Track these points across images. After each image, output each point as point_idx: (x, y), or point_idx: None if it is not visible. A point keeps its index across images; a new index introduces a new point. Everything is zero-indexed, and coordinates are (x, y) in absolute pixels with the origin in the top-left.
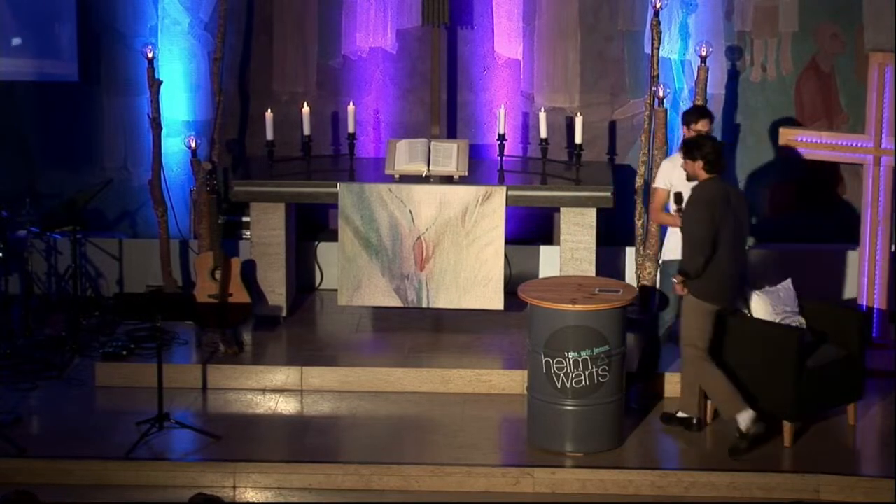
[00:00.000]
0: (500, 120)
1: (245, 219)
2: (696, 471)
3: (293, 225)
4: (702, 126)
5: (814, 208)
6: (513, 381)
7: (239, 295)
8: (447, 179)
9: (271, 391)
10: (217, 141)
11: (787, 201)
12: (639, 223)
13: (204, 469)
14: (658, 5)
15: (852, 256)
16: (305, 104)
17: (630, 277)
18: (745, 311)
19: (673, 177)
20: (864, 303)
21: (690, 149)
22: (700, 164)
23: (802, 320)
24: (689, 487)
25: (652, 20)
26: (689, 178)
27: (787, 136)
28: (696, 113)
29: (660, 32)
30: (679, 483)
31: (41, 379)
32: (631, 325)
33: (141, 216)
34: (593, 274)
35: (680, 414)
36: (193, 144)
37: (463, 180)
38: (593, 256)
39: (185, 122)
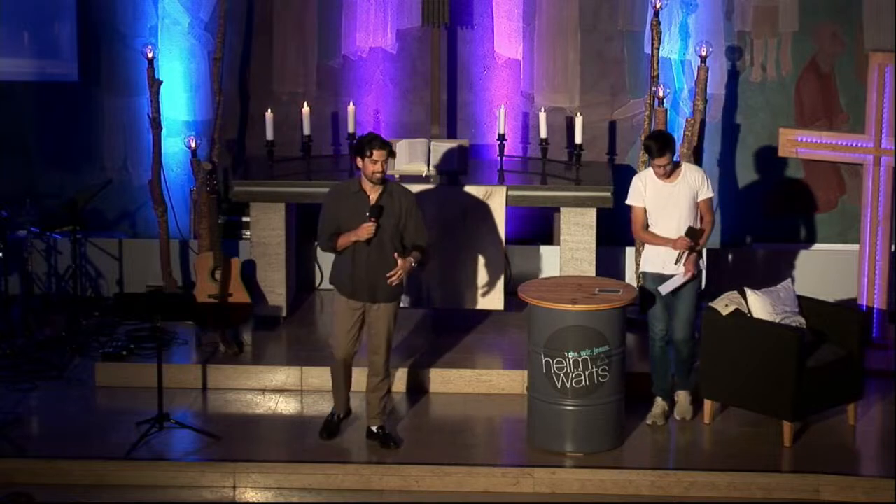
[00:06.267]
0: (500, 120)
1: (245, 219)
2: (696, 471)
3: (293, 225)
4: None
5: (813, 208)
6: (513, 381)
7: (239, 295)
8: (448, 179)
9: (271, 391)
10: (217, 141)
11: (786, 201)
12: None
13: (204, 469)
14: (658, 5)
15: (852, 256)
16: (305, 104)
17: (630, 277)
18: (746, 311)
19: (644, 192)
20: (864, 303)
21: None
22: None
23: (802, 320)
24: (689, 487)
25: (652, 20)
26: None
27: (787, 136)
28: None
29: (660, 32)
30: (679, 483)
31: (41, 379)
32: (631, 326)
33: (141, 216)
34: (593, 274)
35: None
36: (193, 144)
37: (463, 180)
38: (593, 256)
39: (185, 122)
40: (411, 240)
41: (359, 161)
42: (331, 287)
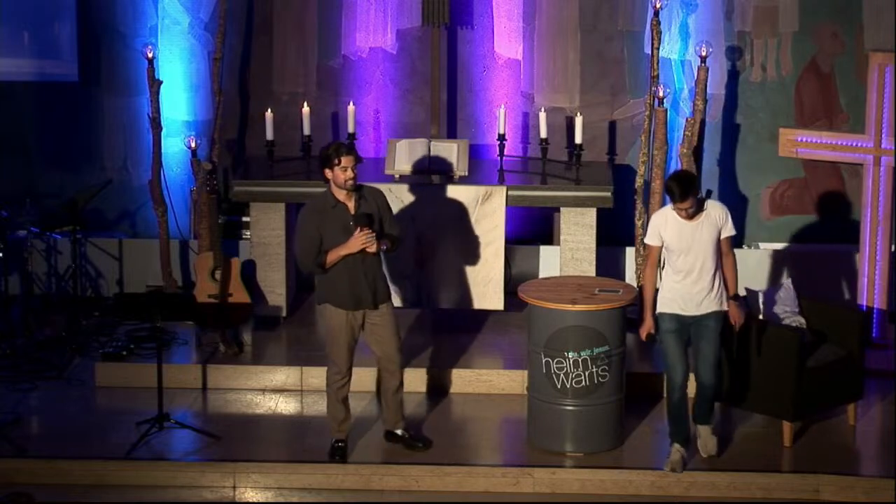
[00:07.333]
0: (500, 120)
1: (245, 219)
2: (696, 471)
3: (293, 225)
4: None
5: (814, 208)
6: (513, 381)
7: (239, 295)
8: (447, 179)
9: (271, 391)
10: (217, 141)
11: (786, 201)
12: (639, 223)
13: (204, 469)
14: (658, 5)
15: (852, 256)
16: (305, 104)
17: (630, 277)
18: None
19: (664, 231)
20: (864, 303)
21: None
22: None
23: (802, 320)
24: (689, 487)
25: (652, 20)
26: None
27: (786, 136)
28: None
29: (660, 32)
30: (679, 483)
31: (41, 379)
32: (631, 326)
33: (141, 216)
34: (593, 274)
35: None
36: (193, 144)
37: (463, 180)
38: (593, 256)
39: (185, 122)
40: (387, 231)
41: (328, 173)
42: None
